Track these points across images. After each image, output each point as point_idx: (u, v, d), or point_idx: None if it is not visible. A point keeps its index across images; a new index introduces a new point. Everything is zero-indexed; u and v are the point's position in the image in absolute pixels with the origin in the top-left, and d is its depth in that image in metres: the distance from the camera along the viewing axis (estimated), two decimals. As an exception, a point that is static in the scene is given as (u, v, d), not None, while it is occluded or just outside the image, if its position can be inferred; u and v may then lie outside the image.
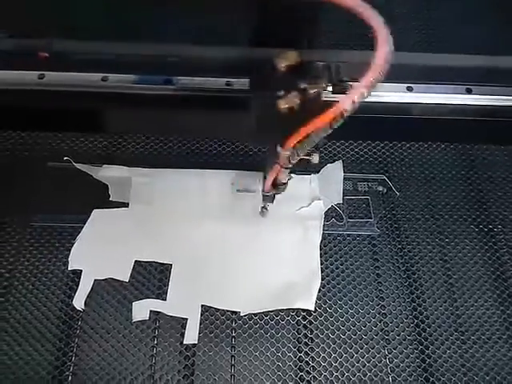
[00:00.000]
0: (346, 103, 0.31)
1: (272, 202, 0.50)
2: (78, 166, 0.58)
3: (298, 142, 0.34)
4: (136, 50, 0.43)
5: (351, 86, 0.40)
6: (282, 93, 0.35)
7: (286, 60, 0.36)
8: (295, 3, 0.36)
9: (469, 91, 0.50)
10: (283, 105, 0.35)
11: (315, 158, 0.40)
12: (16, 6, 0.42)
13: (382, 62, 0.31)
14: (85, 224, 0.55)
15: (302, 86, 0.36)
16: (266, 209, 0.54)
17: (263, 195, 0.48)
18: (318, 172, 0.61)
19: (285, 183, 0.44)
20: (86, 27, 0.44)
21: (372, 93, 0.54)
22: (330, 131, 0.33)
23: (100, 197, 0.57)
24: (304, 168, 0.61)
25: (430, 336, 0.52)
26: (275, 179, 0.42)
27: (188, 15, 0.41)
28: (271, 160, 0.39)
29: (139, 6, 0.41)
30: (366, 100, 0.53)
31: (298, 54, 0.36)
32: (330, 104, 0.32)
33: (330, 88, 0.39)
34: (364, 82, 0.31)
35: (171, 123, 0.52)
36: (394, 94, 0.51)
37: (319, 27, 0.38)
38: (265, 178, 0.44)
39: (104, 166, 0.59)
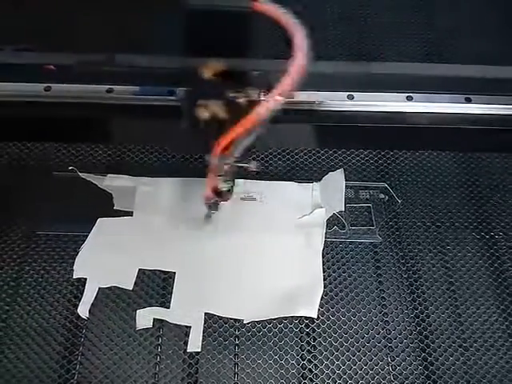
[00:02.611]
0: (261, 110, 0.33)
1: (217, 209, 0.51)
2: (83, 175, 0.59)
3: (224, 150, 0.36)
4: (140, 61, 0.44)
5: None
6: (203, 101, 0.37)
7: (210, 69, 0.38)
8: (221, 12, 0.37)
9: (468, 100, 0.51)
10: (204, 113, 0.36)
11: (253, 166, 0.41)
12: (22, 20, 0.44)
13: (296, 70, 0.33)
14: (89, 233, 0.56)
15: (228, 94, 0.37)
16: (210, 216, 0.54)
17: (206, 204, 0.49)
18: (319, 180, 0.62)
19: (228, 191, 0.45)
20: (90, 40, 0.45)
21: (373, 102, 0.55)
22: (254, 139, 0.35)
23: (104, 206, 0.58)
24: (305, 176, 0.61)
25: (433, 343, 0.52)
26: (215, 187, 0.44)
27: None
28: (207, 168, 0.41)
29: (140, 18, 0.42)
30: (367, 109, 0.54)
31: (223, 63, 0.38)
32: (250, 111, 0.34)
33: (254, 96, 0.40)
34: (279, 89, 0.33)
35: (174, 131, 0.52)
36: (395, 104, 0.52)
37: (244, 36, 0.39)
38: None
39: (108, 175, 0.60)
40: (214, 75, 0.38)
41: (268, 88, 0.38)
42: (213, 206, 0.51)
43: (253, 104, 0.36)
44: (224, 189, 0.45)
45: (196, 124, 0.37)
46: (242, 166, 0.42)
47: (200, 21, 0.38)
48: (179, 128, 0.38)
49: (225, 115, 0.37)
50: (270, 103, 0.34)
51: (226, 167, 0.40)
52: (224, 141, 0.36)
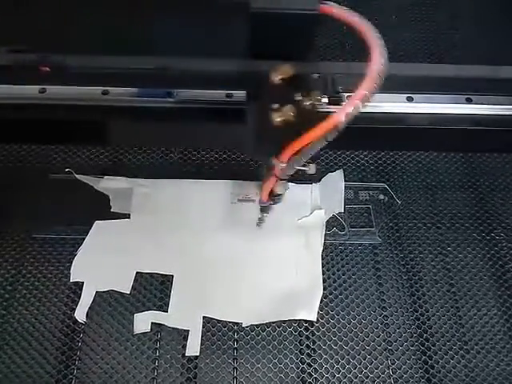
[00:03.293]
0: (340, 116, 0.31)
1: (268, 212, 0.50)
2: (80, 177, 0.58)
3: (294, 155, 0.35)
4: (136, 63, 0.44)
5: (346, 97, 0.40)
6: (276, 106, 0.35)
7: (280, 73, 0.36)
8: (290, 16, 0.36)
9: (469, 101, 0.50)
10: (277, 118, 0.35)
11: (312, 169, 0.40)
12: (16, 21, 0.43)
13: (375, 73, 0.31)
14: (86, 235, 0.55)
15: (297, 98, 0.36)
16: (263, 219, 0.54)
17: (260, 206, 0.48)
18: (319, 181, 0.61)
19: (281, 194, 0.44)
20: (86, 41, 0.44)
21: (373, 103, 0.54)
22: (325, 143, 0.33)
23: (101, 208, 0.57)
24: (303, 178, 0.61)
25: (434, 346, 0.51)
26: (271, 190, 0.43)
27: (185, 27, 0.41)
28: (267, 171, 0.40)
29: (138, 20, 0.42)
30: (367, 110, 0.54)
31: (293, 66, 0.37)
32: (324, 116, 0.32)
33: (325, 100, 0.39)
34: (358, 94, 0.31)
35: (171, 135, 0.52)
36: (395, 105, 0.51)
37: (314, 40, 0.38)
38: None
39: (105, 177, 0.59)
40: (283, 80, 0.37)
41: (337, 93, 0.37)
42: (266, 209, 0.50)
43: (321, 109, 0.34)
44: (280, 192, 0.44)
45: (267, 128, 0.36)
46: (300, 169, 0.41)
47: (265, 23, 0.36)
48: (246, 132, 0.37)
49: (296, 120, 0.36)
50: (349, 109, 0.31)
51: (291, 171, 0.39)
52: (298, 145, 0.34)
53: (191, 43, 0.43)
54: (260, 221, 0.54)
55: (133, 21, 0.41)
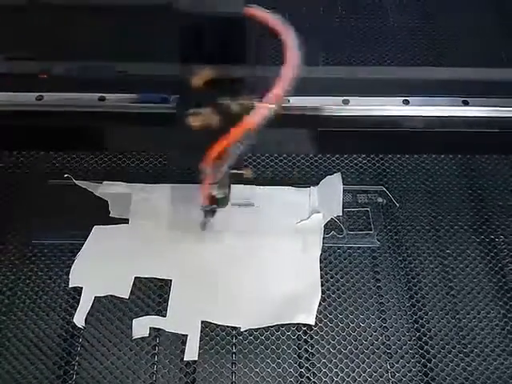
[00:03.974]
0: (252, 119, 0.33)
1: (212, 216, 0.50)
2: (79, 183, 0.59)
3: (215, 158, 0.35)
4: (132, 69, 0.44)
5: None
6: (193, 110, 0.36)
7: (202, 76, 0.37)
8: (212, 18, 0.36)
9: (465, 103, 0.50)
10: (195, 122, 0.36)
11: (247, 172, 0.41)
12: (14, 29, 0.43)
13: (288, 76, 0.32)
14: (85, 241, 0.56)
15: (218, 101, 0.37)
16: (207, 223, 0.54)
17: (203, 210, 0.48)
18: (317, 184, 0.61)
19: (223, 198, 0.44)
20: (83, 49, 0.44)
21: (370, 107, 0.54)
22: (246, 145, 0.34)
23: (100, 213, 0.57)
24: (302, 181, 0.61)
25: (433, 349, 0.51)
26: (210, 195, 0.43)
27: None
28: (201, 176, 0.40)
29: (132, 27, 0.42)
30: (365, 114, 0.54)
31: (214, 70, 0.37)
32: (242, 118, 0.33)
33: (244, 103, 0.39)
34: (270, 96, 0.32)
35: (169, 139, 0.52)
36: (391, 108, 0.51)
37: (239, 43, 0.38)
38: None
39: (104, 182, 0.59)
40: (205, 83, 0.37)
41: (259, 94, 0.37)
42: (209, 213, 0.51)
43: (244, 111, 0.35)
44: (219, 196, 0.45)
45: (189, 132, 0.37)
46: (236, 173, 0.42)
47: (191, 26, 0.37)
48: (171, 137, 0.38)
49: (217, 123, 0.37)
50: (263, 110, 0.33)
51: (219, 175, 0.40)
52: (216, 149, 0.36)
53: (120, 47, 0.43)
54: (204, 225, 0.54)
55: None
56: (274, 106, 0.33)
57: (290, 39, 0.34)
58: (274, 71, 0.34)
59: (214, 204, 0.47)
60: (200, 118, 0.36)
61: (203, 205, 0.46)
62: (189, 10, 0.36)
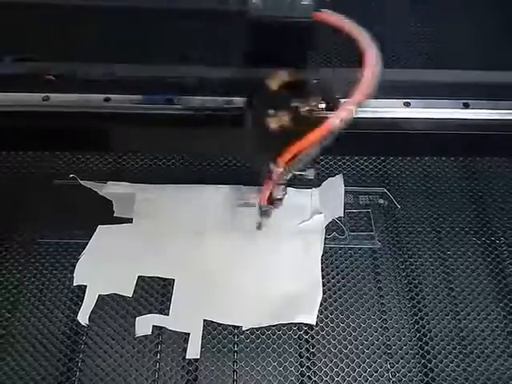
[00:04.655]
0: (334, 121, 0.32)
1: (268, 216, 0.51)
2: (84, 183, 0.60)
3: (291, 160, 0.35)
4: (137, 71, 0.45)
5: (342, 103, 0.41)
6: (272, 112, 0.36)
7: (277, 80, 0.37)
8: (286, 24, 0.37)
9: (466, 106, 0.51)
10: (274, 123, 0.36)
11: (310, 174, 0.41)
12: (20, 30, 0.44)
13: (369, 79, 0.32)
14: (90, 240, 0.56)
15: (294, 104, 0.37)
16: (263, 224, 0.54)
17: (260, 210, 0.49)
18: (318, 186, 0.62)
19: (280, 198, 0.44)
20: (88, 50, 0.45)
21: (371, 109, 0.54)
22: (320, 148, 0.34)
23: (105, 213, 0.58)
24: (302, 182, 0.61)
25: (433, 349, 0.51)
26: (270, 195, 0.43)
27: (185, 35, 0.42)
28: (265, 176, 0.40)
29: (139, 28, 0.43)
30: (365, 116, 0.54)
31: (289, 73, 0.37)
32: (320, 121, 0.33)
33: (322, 105, 0.40)
34: (352, 99, 0.32)
35: (173, 141, 0.53)
36: (392, 110, 0.51)
37: (311, 47, 0.38)
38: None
39: (108, 182, 0.60)
40: (280, 86, 0.38)
41: (335, 98, 0.38)
42: (265, 214, 0.51)
43: (319, 114, 0.35)
44: (279, 196, 0.45)
45: (264, 133, 0.37)
46: (301, 174, 0.42)
47: (262, 31, 0.37)
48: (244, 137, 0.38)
49: (293, 125, 0.37)
50: (343, 114, 0.33)
51: (288, 175, 0.40)
52: (294, 150, 0.35)
53: (191, 51, 0.44)
54: (259, 225, 0.54)
55: (134, 29, 0.42)
56: (354, 109, 0.33)
57: (367, 41, 0.33)
58: (349, 74, 0.34)
59: (271, 205, 0.47)
60: (277, 119, 0.36)
61: (263, 205, 0.46)
62: (261, 15, 0.36)
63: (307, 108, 0.37)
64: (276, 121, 0.36)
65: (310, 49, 0.38)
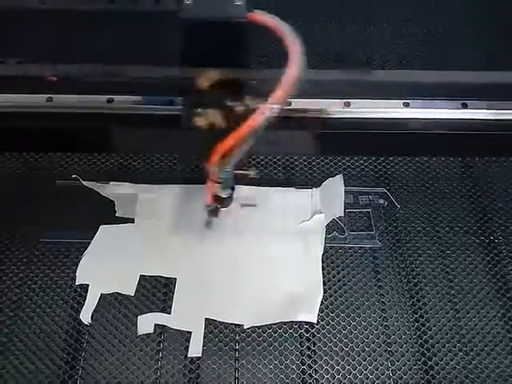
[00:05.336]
0: (256, 119, 0.34)
1: (217, 216, 0.51)
2: (86, 183, 0.60)
3: (221, 158, 0.36)
4: (139, 72, 0.45)
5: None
6: (200, 110, 0.37)
7: (207, 78, 0.38)
8: (219, 24, 0.37)
9: (464, 106, 0.51)
10: (200, 122, 0.37)
11: (252, 172, 0.42)
12: (24, 32, 0.45)
13: (291, 78, 0.33)
14: (92, 240, 0.57)
15: (225, 103, 0.38)
16: (211, 222, 0.55)
17: (207, 210, 0.49)
18: (319, 186, 0.62)
19: (225, 198, 0.45)
20: (91, 51, 0.46)
21: (370, 109, 0.55)
22: (250, 145, 0.35)
23: (107, 213, 0.59)
24: (304, 182, 0.62)
25: (433, 347, 0.52)
26: (215, 194, 0.44)
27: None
28: (206, 175, 0.41)
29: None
30: (365, 116, 0.55)
31: (220, 72, 0.38)
32: (245, 119, 0.34)
33: (248, 104, 0.41)
34: (273, 97, 0.33)
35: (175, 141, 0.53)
36: (391, 110, 0.52)
37: (244, 47, 0.39)
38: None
39: (111, 183, 0.61)
40: (211, 85, 0.38)
41: (265, 96, 0.38)
42: (213, 213, 0.52)
43: (250, 112, 0.36)
44: (224, 195, 0.46)
45: (194, 132, 0.38)
46: (240, 173, 0.43)
47: (197, 31, 0.38)
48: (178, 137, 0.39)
49: (222, 123, 0.38)
50: (266, 111, 0.34)
51: (224, 174, 0.41)
52: (221, 148, 0.36)
53: (127, 51, 0.44)
54: (209, 224, 0.55)
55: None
56: (276, 107, 0.34)
57: (293, 42, 0.35)
58: (279, 74, 0.35)
59: (218, 204, 0.48)
60: (205, 118, 0.37)
61: (208, 204, 0.47)
62: (194, 15, 0.37)
63: (242, 108, 0.38)
64: (203, 119, 0.37)
65: (243, 48, 0.39)
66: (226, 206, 0.49)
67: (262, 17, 0.36)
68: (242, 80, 0.41)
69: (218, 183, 0.43)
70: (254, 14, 0.37)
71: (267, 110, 0.34)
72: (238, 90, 0.40)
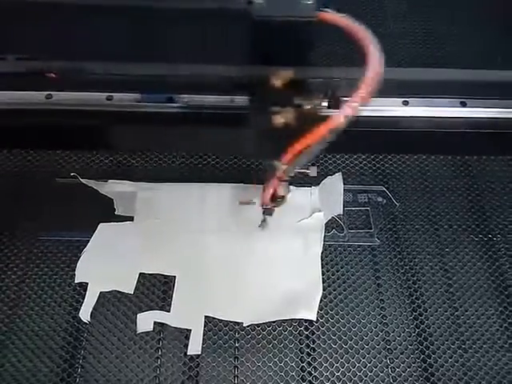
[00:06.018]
0: (338, 118, 0.33)
1: (271, 215, 0.51)
2: (85, 181, 0.60)
3: (294, 157, 0.36)
4: (139, 69, 0.45)
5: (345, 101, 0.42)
6: (277, 109, 0.37)
7: (280, 77, 0.38)
8: (290, 23, 0.37)
9: (463, 104, 0.52)
10: (278, 120, 0.37)
11: (313, 171, 0.41)
12: (24, 29, 0.44)
13: (372, 78, 0.33)
14: (91, 238, 0.57)
15: (298, 102, 0.37)
16: (266, 222, 0.54)
17: (263, 208, 0.49)
18: (318, 184, 0.62)
19: (283, 196, 0.45)
20: (91, 49, 0.46)
21: (370, 107, 0.55)
22: (325, 145, 0.35)
23: (106, 211, 0.59)
24: (304, 180, 0.62)
25: (432, 345, 0.52)
26: (273, 192, 0.44)
27: (186, 34, 0.43)
28: (269, 173, 0.41)
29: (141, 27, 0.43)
30: (365, 114, 0.55)
31: (293, 71, 0.38)
32: (324, 119, 0.34)
33: (324, 103, 0.40)
34: (355, 97, 0.32)
35: (174, 139, 0.53)
36: (391, 109, 0.52)
37: (314, 45, 0.39)
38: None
39: (110, 181, 0.61)
40: (284, 84, 0.38)
41: (337, 96, 0.38)
42: (268, 212, 0.51)
43: (319, 111, 0.36)
44: (282, 194, 0.45)
45: (268, 130, 0.38)
46: (302, 172, 0.42)
47: (266, 30, 0.38)
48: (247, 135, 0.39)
49: (297, 123, 0.37)
50: (347, 111, 0.33)
51: (292, 173, 0.40)
52: (298, 147, 0.36)
53: (195, 49, 0.44)
54: (263, 223, 0.55)
55: (136, 28, 0.43)
56: (357, 106, 0.33)
57: (370, 41, 0.34)
58: (353, 73, 0.35)
59: (274, 203, 0.47)
60: (282, 116, 0.37)
61: (264, 203, 0.46)
62: (265, 14, 0.37)
63: (310, 106, 0.38)
64: (280, 117, 0.37)
65: (313, 47, 0.39)
66: (280, 205, 0.47)
67: (333, 16, 0.36)
68: (313, 79, 0.41)
69: (283, 181, 0.42)
70: (326, 13, 0.36)
71: (349, 111, 0.33)
72: (309, 90, 0.40)
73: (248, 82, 0.41)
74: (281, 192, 0.44)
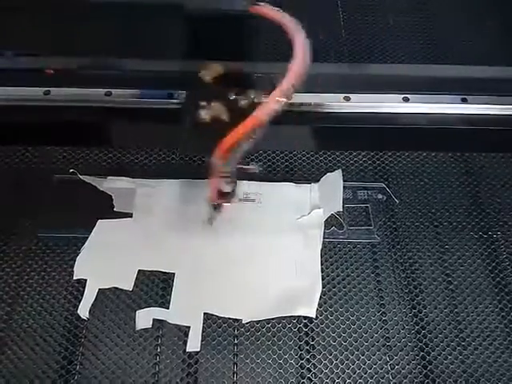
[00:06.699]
0: (261, 113, 0.33)
1: (220, 211, 0.51)
2: (84, 178, 0.60)
3: (225, 153, 0.36)
4: (139, 65, 0.45)
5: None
6: (204, 103, 0.37)
7: (211, 72, 0.38)
8: (220, 15, 0.37)
9: (464, 101, 0.51)
10: (205, 115, 0.36)
11: (254, 167, 0.42)
12: (21, 25, 0.44)
13: (296, 71, 0.33)
14: (90, 234, 0.57)
15: (228, 96, 0.37)
16: (214, 218, 0.54)
17: (211, 205, 0.49)
18: (317, 181, 0.62)
19: (228, 192, 0.45)
20: (89, 44, 0.45)
21: (370, 104, 0.55)
22: (255, 139, 0.35)
23: (104, 208, 0.58)
24: (303, 178, 0.62)
25: (431, 342, 0.52)
26: (219, 189, 0.44)
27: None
28: (210, 170, 0.41)
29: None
30: (364, 111, 0.55)
31: (223, 65, 0.38)
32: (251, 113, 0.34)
33: (261, 99, 0.40)
34: (278, 91, 0.33)
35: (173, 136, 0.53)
36: (391, 105, 0.52)
37: (246, 39, 0.39)
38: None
39: (108, 177, 0.60)
40: (215, 78, 0.38)
41: (270, 90, 0.38)
42: (216, 208, 0.51)
43: (254, 106, 0.36)
44: (227, 190, 0.45)
45: (198, 126, 0.38)
46: (242, 168, 0.42)
47: (199, 24, 0.38)
48: (180, 131, 0.39)
49: (227, 117, 0.37)
50: (271, 105, 0.34)
51: (228, 169, 0.40)
52: (226, 142, 0.36)
53: (127, 43, 0.44)
54: (210, 220, 0.54)
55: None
56: (282, 101, 0.34)
57: (299, 35, 0.34)
58: (284, 67, 0.34)
59: (222, 199, 0.47)
60: (210, 111, 0.37)
61: (211, 200, 0.47)
62: (197, 8, 0.37)
63: (240, 100, 0.37)
64: (208, 112, 0.37)
65: (247, 42, 0.39)
66: (230, 201, 0.48)
67: (265, 9, 0.36)
68: (245, 73, 0.40)
69: (223, 178, 0.42)
70: (258, 6, 0.36)
71: (272, 104, 0.33)
72: (241, 84, 0.40)
73: (179, 77, 0.41)
74: (225, 188, 0.44)
